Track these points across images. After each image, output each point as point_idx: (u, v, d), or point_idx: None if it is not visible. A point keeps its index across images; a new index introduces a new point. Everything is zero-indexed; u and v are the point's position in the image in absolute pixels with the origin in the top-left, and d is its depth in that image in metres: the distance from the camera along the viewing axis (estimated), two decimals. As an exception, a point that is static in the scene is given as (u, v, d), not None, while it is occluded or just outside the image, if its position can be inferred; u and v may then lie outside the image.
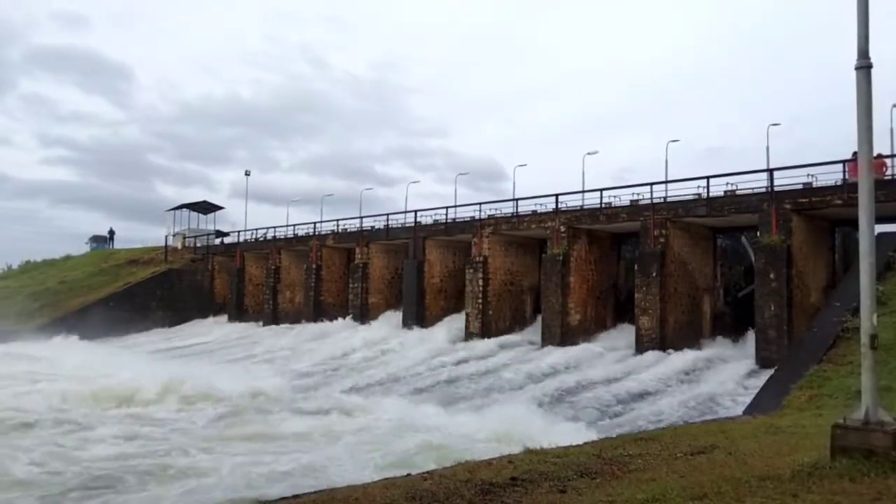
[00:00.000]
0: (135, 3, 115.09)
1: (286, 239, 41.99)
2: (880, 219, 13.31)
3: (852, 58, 6.05)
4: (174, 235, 50.38)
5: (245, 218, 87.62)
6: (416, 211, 34.61)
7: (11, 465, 11.59)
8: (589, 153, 33.24)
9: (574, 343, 25.22)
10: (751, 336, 21.90)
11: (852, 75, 6.03)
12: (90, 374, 20.72)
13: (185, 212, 51.98)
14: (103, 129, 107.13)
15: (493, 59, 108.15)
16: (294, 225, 42.87)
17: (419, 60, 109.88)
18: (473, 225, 30.35)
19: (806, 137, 66.52)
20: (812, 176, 21.64)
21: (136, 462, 12.10)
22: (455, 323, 30.43)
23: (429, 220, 33.79)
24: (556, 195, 27.71)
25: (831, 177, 21.16)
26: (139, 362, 25.06)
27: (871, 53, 5.97)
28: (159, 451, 12.95)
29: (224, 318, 43.04)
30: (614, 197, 26.62)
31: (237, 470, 11.32)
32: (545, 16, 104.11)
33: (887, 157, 20.59)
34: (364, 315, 34.54)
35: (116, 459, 12.31)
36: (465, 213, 32.09)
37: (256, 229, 45.96)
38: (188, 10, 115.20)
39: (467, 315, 29.38)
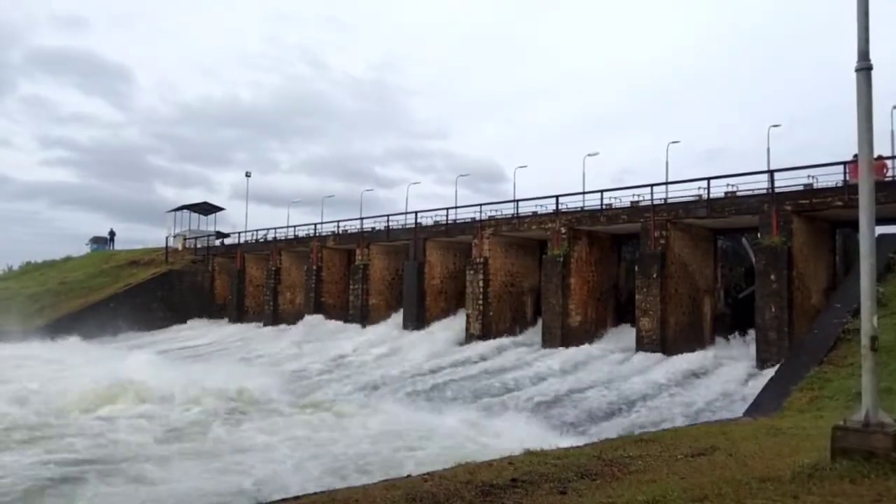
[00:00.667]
0: (134, 4, 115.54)
1: (286, 240, 41.98)
2: (881, 220, 13.33)
3: (852, 58, 6.04)
4: (175, 237, 50.42)
5: (245, 219, 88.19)
6: (416, 212, 34.69)
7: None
8: (589, 154, 33.24)
9: (575, 344, 25.19)
10: (751, 337, 21.89)
11: (852, 76, 6.03)
12: (66, 375, 20.57)
13: (186, 213, 52.05)
14: (103, 130, 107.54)
15: (493, 59, 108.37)
16: (294, 226, 42.88)
17: (419, 61, 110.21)
18: (474, 226, 30.34)
19: (806, 138, 66.59)
20: (812, 177, 21.63)
21: (92, 468, 11.72)
22: (455, 324, 30.42)
23: (429, 222, 33.82)
24: (557, 196, 27.76)
25: (832, 178, 21.14)
26: (126, 362, 24.84)
27: (872, 55, 5.97)
28: (119, 455, 12.58)
29: (224, 319, 43.08)
30: (615, 198, 26.61)
31: (192, 479, 11.11)
32: (545, 16, 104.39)
33: (888, 158, 20.60)
34: (364, 316, 34.52)
35: (64, 465, 11.96)
36: (465, 215, 32.10)
37: (257, 230, 45.97)
38: (188, 10, 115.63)
39: (468, 316, 29.37)
